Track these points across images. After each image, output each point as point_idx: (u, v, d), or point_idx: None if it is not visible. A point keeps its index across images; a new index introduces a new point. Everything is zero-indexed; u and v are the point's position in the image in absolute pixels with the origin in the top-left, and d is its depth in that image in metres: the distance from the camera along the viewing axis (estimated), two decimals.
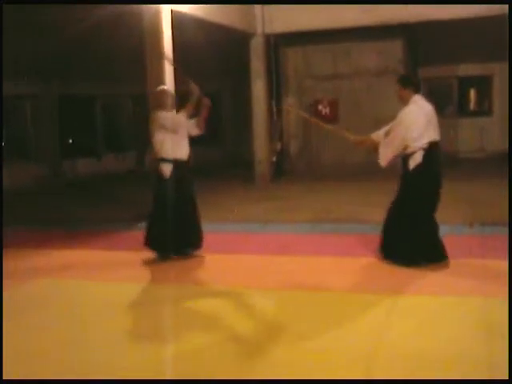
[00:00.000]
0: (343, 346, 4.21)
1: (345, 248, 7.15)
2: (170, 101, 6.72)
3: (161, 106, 6.67)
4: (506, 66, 14.32)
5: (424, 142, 5.92)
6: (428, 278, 5.76)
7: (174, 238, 6.66)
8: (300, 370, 3.82)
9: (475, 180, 12.13)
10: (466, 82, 17.17)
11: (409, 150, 5.96)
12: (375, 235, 7.60)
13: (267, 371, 3.83)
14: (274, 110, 13.91)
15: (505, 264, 5.85)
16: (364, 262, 6.45)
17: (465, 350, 4.03)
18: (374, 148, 6.27)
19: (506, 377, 3.51)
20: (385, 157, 6.08)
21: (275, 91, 14.11)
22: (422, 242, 6.06)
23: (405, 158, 6.03)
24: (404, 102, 6.15)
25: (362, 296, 5.33)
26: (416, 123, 5.92)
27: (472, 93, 17.49)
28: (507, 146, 12.88)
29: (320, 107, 14.84)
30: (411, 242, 6.04)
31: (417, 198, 6.00)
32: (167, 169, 6.54)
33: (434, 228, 6.11)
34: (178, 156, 6.59)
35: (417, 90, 6.16)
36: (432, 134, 5.98)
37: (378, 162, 6.16)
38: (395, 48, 14.55)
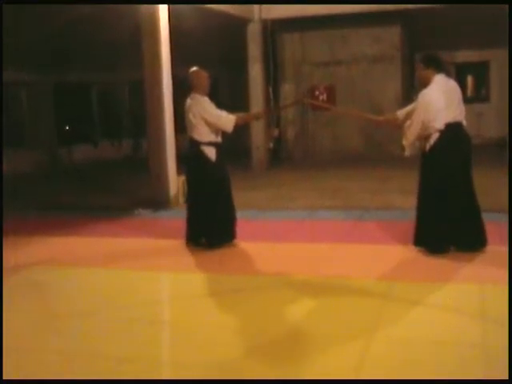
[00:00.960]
0: (339, 330, 4.25)
1: (341, 234, 7.16)
2: (208, 84, 6.51)
3: (199, 89, 6.42)
4: (503, 51, 14.29)
5: (441, 123, 5.73)
6: (424, 265, 5.77)
7: (227, 222, 6.62)
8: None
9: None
10: (463, 69, 17.13)
11: (426, 132, 5.81)
12: (372, 221, 7.66)
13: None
14: (271, 96, 13.88)
15: (500, 250, 5.87)
16: (359, 248, 6.46)
17: (461, 337, 4.06)
18: (398, 126, 6.20)
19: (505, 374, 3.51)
20: (407, 138, 5.93)
21: (272, 77, 14.07)
22: (444, 227, 5.87)
23: (424, 140, 5.89)
24: (424, 82, 5.89)
25: (359, 281, 5.34)
26: (431, 105, 5.72)
27: (469, 79, 17.46)
28: (504, 133, 12.88)
29: (317, 93, 14.81)
30: (433, 227, 5.89)
31: (433, 181, 5.85)
32: (212, 152, 6.45)
33: (464, 213, 5.88)
34: (219, 139, 6.55)
35: (439, 70, 5.87)
36: (450, 115, 5.76)
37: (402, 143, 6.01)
38: (392, 34, 14.52)
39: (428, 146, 5.85)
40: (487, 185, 9.62)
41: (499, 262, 5.56)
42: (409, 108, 6.23)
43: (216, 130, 6.45)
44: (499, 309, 4.43)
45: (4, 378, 3.61)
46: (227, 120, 6.41)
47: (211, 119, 6.35)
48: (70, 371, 3.78)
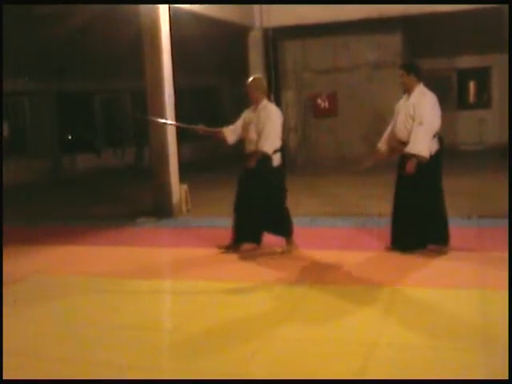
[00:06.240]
0: (342, 336, 4.24)
1: (345, 241, 7.16)
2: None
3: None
4: (504, 57, 14.29)
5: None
6: (426, 270, 5.78)
7: None
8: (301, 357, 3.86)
9: (474, 172, 12.14)
10: (464, 75, 17.14)
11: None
12: (375, 228, 7.64)
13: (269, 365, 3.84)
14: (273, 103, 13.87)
15: (502, 256, 5.86)
16: (363, 255, 6.46)
17: (462, 342, 4.06)
18: (386, 155, 6.46)
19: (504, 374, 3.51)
20: (427, 147, 5.98)
21: (274, 85, 14.09)
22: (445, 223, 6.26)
23: None
24: (408, 89, 6.12)
25: (362, 288, 5.35)
26: (439, 111, 6.07)
27: (471, 85, 17.46)
28: (506, 138, 12.86)
29: (319, 101, 14.84)
30: (440, 224, 6.23)
31: (440, 179, 6.17)
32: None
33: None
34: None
35: (419, 78, 6.12)
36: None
37: (422, 158, 5.99)
38: (394, 41, 14.54)
39: (434, 150, 6.02)
40: (489, 191, 9.64)
41: (499, 268, 5.56)
42: (385, 135, 6.44)
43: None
44: (499, 313, 4.42)
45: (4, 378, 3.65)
46: None
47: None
48: (70, 378, 3.78)
